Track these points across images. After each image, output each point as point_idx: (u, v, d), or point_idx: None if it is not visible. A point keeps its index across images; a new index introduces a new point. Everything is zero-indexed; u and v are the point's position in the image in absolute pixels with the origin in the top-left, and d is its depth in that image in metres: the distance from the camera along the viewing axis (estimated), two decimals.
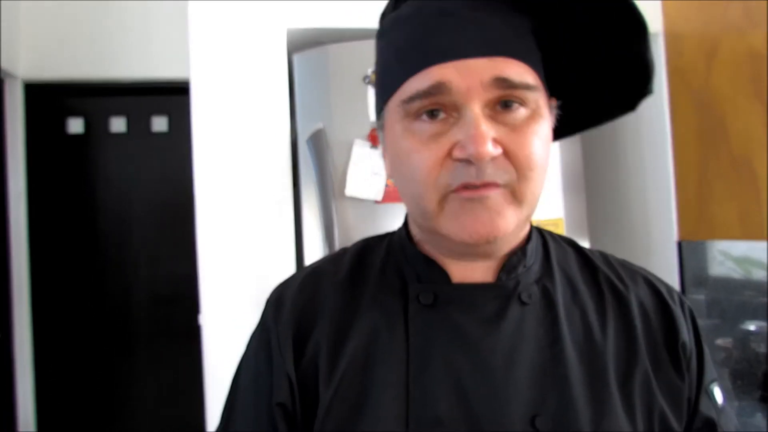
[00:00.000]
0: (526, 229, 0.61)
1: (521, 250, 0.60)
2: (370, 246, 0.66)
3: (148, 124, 2.73)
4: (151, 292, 2.71)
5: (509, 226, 0.53)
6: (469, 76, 0.50)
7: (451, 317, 0.57)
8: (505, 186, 0.52)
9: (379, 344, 0.57)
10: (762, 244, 1.70)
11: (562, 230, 2.03)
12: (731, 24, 1.74)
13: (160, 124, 2.73)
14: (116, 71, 2.60)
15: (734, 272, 1.92)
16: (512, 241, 0.58)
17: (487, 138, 0.49)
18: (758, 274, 1.79)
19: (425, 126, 0.52)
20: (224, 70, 1.68)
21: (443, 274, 0.59)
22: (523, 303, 0.58)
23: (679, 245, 2.00)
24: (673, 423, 0.58)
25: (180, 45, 2.53)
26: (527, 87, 0.52)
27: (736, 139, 1.72)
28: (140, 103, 2.71)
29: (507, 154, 0.51)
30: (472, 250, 0.57)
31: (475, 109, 0.50)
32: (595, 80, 0.61)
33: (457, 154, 0.51)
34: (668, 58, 2.00)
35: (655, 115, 2.11)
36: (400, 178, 0.56)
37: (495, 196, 0.51)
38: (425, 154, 0.52)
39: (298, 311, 0.60)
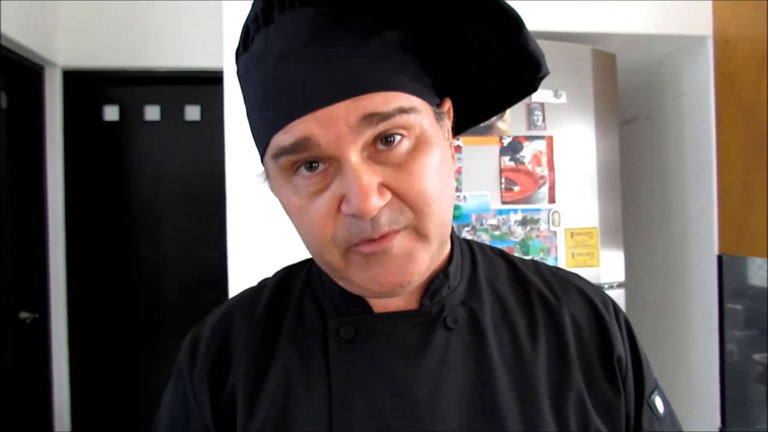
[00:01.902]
0: (446, 251, 0.57)
1: (443, 272, 0.57)
2: (290, 275, 0.63)
3: (181, 113, 2.75)
4: (181, 278, 2.76)
5: (422, 267, 0.50)
6: (332, 124, 0.45)
7: (373, 351, 0.54)
8: (406, 227, 0.48)
9: (298, 387, 0.54)
10: None
11: (596, 239, 1.98)
12: None
13: (192, 113, 2.75)
14: (151, 60, 2.62)
15: None
16: (430, 269, 0.54)
17: (370, 192, 0.45)
18: None
19: (304, 181, 0.48)
20: None
21: (363, 304, 0.56)
22: (448, 328, 0.55)
23: (720, 259, 1.93)
24: None
25: (213, 35, 2.53)
26: (402, 111, 0.46)
27: None
28: (174, 92, 2.73)
29: (398, 195, 0.47)
30: (387, 296, 0.54)
31: (352, 159, 0.45)
32: (488, 71, 0.55)
33: (345, 210, 0.47)
34: (717, 63, 1.92)
35: (700, 121, 2.03)
36: (298, 231, 0.52)
37: (398, 242, 0.48)
38: (313, 213, 0.48)
39: (212, 355, 0.58)
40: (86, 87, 2.67)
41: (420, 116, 0.48)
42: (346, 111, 0.45)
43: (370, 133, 0.46)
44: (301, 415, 0.53)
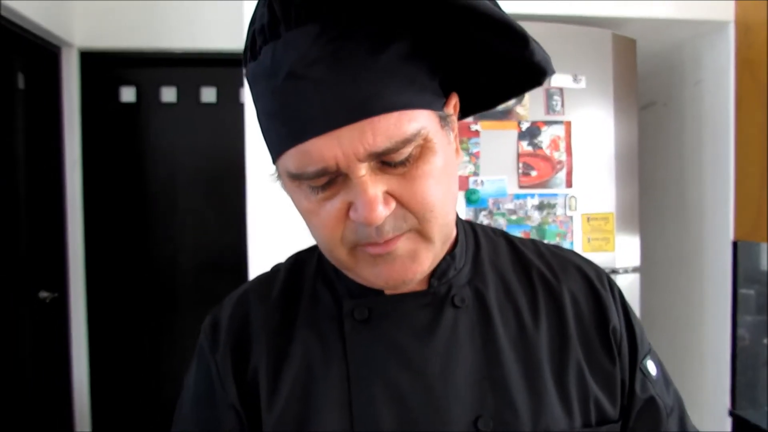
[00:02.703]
0: (451, 238, 0.60)
1: (449, 254, 0.60)
2: (301, 260, 0.66)
3: (197, 95, 2.76)
4: (196, 259, 2.79)
5: (425, 266, 0.53)
6: (341, 146, 0.47)
7: (387, 331, 0.57)
8: (410, 231, 0.51)
9: (317, 366, 0.58)
10: None
11: (612, 225, 1.99)
12: None
13: (208, 94, 2.76)
14: (167, 42, 2.62)
15: None
16: (433, 264, 0.57)
17: (376, 203, 0.48)
18: None
19: (315, 192, 0.51)
20: None
21: (375, 288, 0.58)
22: (456, 307, 0.59)
23: (735, 245, 1.95)
24: (608, 409, 0.60)
25: (229, 17, 2.53)
26: (406, 141, 0.48)
27: None
28: (190, 73, 2.73)
29: (402, 203, 0.50)
30: (392, 290, 0.58)
31: (359, 173, 0.48)
32: (494, 74, 0.58)
33: (353, 217, 0.50)
34: (737, 50, 1.91)
35: (718, 108, 2.03)
36: (309, 228, 0.55)
37: (402, 244, 0.51)
38: (323, 216, 0.51)
39: (233, 337, 0.61)
40: (103, 68, 2.67)
41: (425, 130, 0.49)
42: (355, 133, 0.46)
43: (375, 158, 0.48)
44: (322, 393, 0.56)
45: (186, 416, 0.62)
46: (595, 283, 0.64)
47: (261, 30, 0.49)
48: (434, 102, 0.51)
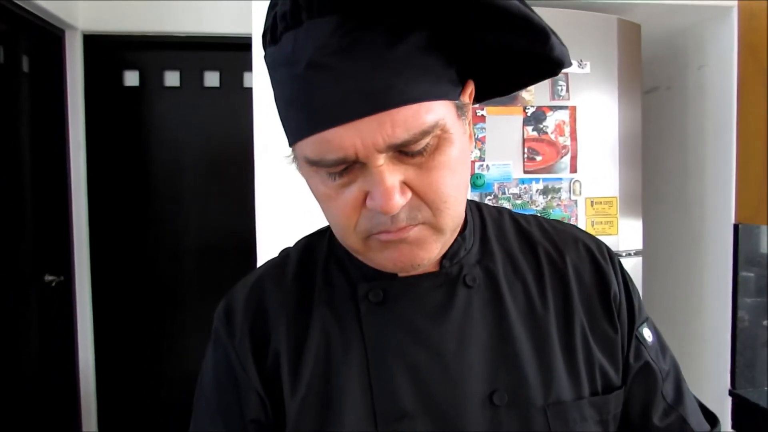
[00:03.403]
0: (461, 221, 0.60)
1: (460, 236, 0.61)
2: (312, 244, 0.67)
3: (200, 79, 2.75)
4: (201, 243, 2.80)
5: (432, 254, 0.55)
6: (360, 137, 0.47)
7: (402, 312, 0.59)
8: (423, 223, 0.52)
9: (336, 348, 0.59)
10: None
11: (616, 208, 2.02)
12: None
13: (212, 79, 2.75)
14: (171, 25, 2.60)
15: None
16: (441, 252, 0.58)
17: (393, 192, 0.48)
18: None
19: (333, 178, 0.52)
20: None
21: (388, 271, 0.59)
22: (468, 286, 0.60)
23: (736, 228, 1.98)
24: (612, 376, 0.62)
25: (233, 1, 2.52)
26: (424, 133, 0.48)
27: None
28: (193, 57, 2.72)
29: (417, 194, 0.51)
30: (400, 273, 0.59)
31: (378, 162, 0.49)
32: (511, 65, 0.58)
33: (370, 205, 0.51)
34: (741, 35, 1.92)
35: (721, 92, 2.05)
36: (324, 213, 0.56)
37: (414, 233, 0.52)
38: (339, 203, 0.52)
39: (250, 322, 0.61)
40: (106, 51, 2.66)
41: (443, 120, 0.50)
42: (374, 124, 0.47)
43: (394, 149, 0.49)
44: (343, 373, 0.58)
45: (208, 403, 0.62)
46: (596, 255, 0.66)
47: (283, 16, 0.49)
48: (451, 91, 0.52)
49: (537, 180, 1.98)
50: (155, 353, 2.79)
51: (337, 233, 0.56)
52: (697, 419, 0.66)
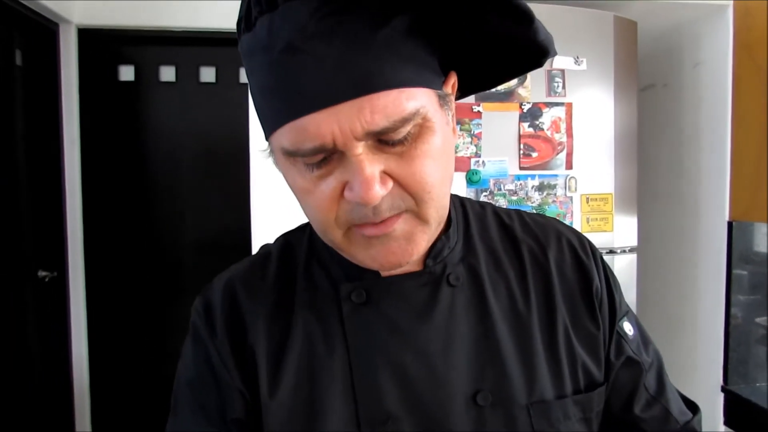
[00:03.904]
0: (445, 217, 0.59)
1: (444, 234, 0.61)
2: (292, 241, 0.66)
3: (196, 74, 2.74)
4: (197, 240, 2.79)
5: (420, 248, 0.53)
6: (338, 122, 0.45)
7: (386, 312, 0.58)
8: (407, 212, 0.51)
9: (319, 349, 0.58)
10: None
11: (611, 205, 2.02)
12: None
13: (208, 74, 2.74)
14: (166, 20, 2.59)
15: None
16: (427, 246, 0.57)
17: (373, 182, 0.46)
18: None
19: (310, 169, 0.49)
20: None
21: (371, 269, 0.58)
22: (451, 285, 0.59)
23: (730, 225, 1.99)
24: (595, 372, 0.62)
25: None
26: (404, 121, 0.47)
27: None
28: (189, 53, 2.71)
29: (399, 183, 0.49)
30: (386, 271, 0.58)
31: (357, 151, 0.47)
32: (495, 52, 0.56)
33: (348, 197, 0.49)
34: (736, 32, 1.93)
35: (717, 90, 2.06)
36: (302, 208, 0.54)
37: (399, 226, 0.51)
38: (318, 195, 0.50)
39: (229, 321, 0.60)
40: (101, 46, 2.64)
41: (424, 108, 0.48)
42: (353, 110, 0.45)
43: (373, 137, 0.47)
44: (326, 375, 0.57)
45: (189, 401, 0.60)
46: (578, 251, 0.66)
47: (257, 0, 0.47)
48: (433, 80, 0.50)
49: (533, 176, 1.98)
50: (150, 350, 2.78)
51: (317, 228, 0.54)
52: (678, 408, 0.66)
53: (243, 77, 2.72)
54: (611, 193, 2.02)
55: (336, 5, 0.45)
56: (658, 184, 2.41)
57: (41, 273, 2.45)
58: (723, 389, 1.98)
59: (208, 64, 2.73)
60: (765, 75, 1.83)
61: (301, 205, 0.54)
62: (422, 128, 0.49)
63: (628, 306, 0.68)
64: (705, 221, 2.16)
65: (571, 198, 2.00)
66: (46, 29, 2.44)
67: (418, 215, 0.51)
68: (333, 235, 0.53)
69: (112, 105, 2.70)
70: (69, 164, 2.58)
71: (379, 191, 0.47)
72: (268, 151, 0.54)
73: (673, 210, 2.33)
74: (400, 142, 0.48)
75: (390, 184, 0.49)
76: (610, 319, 0.64)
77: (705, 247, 2.16)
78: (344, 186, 0.49)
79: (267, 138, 0.52)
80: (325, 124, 0.45)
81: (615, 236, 2.03)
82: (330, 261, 0.61)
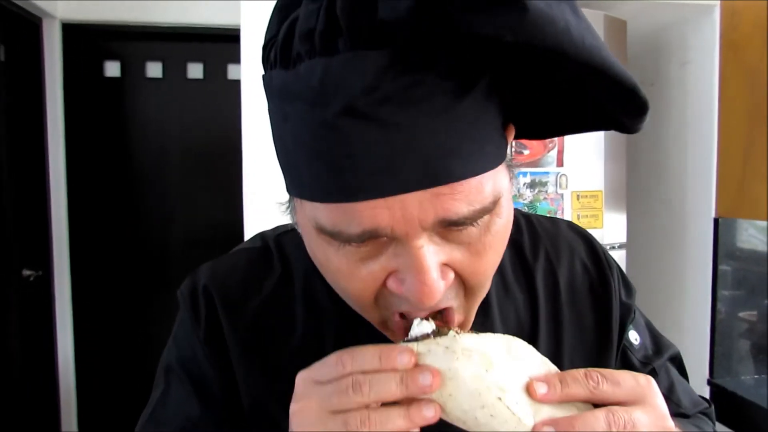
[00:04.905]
0: None
1: None
2: (289, 247, 0.60)
3: (183, 70, 2.71)
4: (186, 236, 2.77)
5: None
6: (404, 215, 0.37)
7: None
8: (458, 307, 0.44)
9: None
10: None
11: (601, 202, 2.05)
12: None
13: (195, 70, 2.71)
14: (153, 15, 2.56)
15: (763, 244, 1.95)
16: None
17: (433, 280, 0.38)
18: None
19: (351, 248, 0.40)
20: None
21: None
22: None
23: (716, 222, 2.02)
24: None
25: None
26: (484, 211, 0.39)
27: None
28: (177, 48, 2.68)
29: (458, 274, 0.42)
30: None
31: (418, 242, 0.38)
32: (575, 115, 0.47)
33: (397, 290, 0.41)
34: (723, 32, 1.96)
35: (703, 88, 2.09)
36: (325, 276, 0.46)
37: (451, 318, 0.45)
38: (355, 281, 0.42)
39: (210, 319, 0.56)
40: (86, 41, 2.60)
41: (501, 190, 0.41)
42: (422, 205, 0.37)
43: (450, 225, 0.39)
44: None
45: (182, 380, 0.57)
46: (592, 273, 0.61)
47: (307, 35, 0.37)
48: (504, 148, 0.42)
49: (524, 173, 2.00)
50: (137, 349, 2.75)
51: (348, 302, 0.46)
52: (690, 400, 0.66)
53: (231, 73, 2.69)
54: (601, 190, 2.05)
55: (413, 61, 0.36)
56: (646, 181, 2.45)
57: (26, 272, 2.41)
58: (709, 383, 2.02)
59: (195, 59, 2.70)
60: (751, 74, 1.86)
61: (326, 277, 0.45)
62: (493, 214, 0.41)
63: (634, 308, 0.65)
64: (691, 218, 2.20)
65: (562, 195, 2.02)
66: (30, 23, 2.39)
67: (464, 307, 0.45)
68: (368, 317, 0.46)
69: (97, 101, 2.65)
70: (54, 162, 2.54)
71: (440, 289, 0.39)
72: (289, 208, 0.46)
73: (661, 207, 2.37)
74: (468, 229, 0.40)
75: (451, 276, 0.41)
76: (620, 334, 0.62)
77: (691, 243, 2.20)
78: (390, 273, 0.41)
79: (289, 192, 0.44)
80: (384, 211, 0.37)
81: (605, 233, 2.06)
82: (329, 304, 0.56)
